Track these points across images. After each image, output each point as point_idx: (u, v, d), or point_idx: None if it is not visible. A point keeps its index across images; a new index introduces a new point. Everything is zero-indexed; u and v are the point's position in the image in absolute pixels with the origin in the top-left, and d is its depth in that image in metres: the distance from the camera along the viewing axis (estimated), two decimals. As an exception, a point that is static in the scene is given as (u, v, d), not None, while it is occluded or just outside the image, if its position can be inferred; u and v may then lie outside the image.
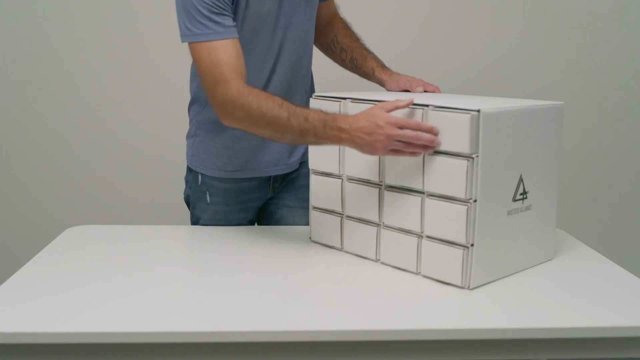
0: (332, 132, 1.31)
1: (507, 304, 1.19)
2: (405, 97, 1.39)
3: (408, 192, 1.32)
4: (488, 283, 1.28)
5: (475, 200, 1.22)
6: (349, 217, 1.45)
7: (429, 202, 1.28)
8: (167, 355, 1.09)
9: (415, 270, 1.33)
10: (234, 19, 1.47)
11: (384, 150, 1.27)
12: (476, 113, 1.20)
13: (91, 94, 2.44)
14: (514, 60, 2.46)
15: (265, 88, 1.56)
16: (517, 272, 1.35)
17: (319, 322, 1.10)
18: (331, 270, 1.35)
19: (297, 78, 1.62)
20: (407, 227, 1.33)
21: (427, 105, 1.28)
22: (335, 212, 1.47)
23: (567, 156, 2.50)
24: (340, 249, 1.47)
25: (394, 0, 2.43)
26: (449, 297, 1.21)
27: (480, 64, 2.46)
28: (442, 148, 1.25)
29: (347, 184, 1.43)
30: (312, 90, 1.72)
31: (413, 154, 1.27)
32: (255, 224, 1.77)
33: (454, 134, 1.22)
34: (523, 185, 1.31)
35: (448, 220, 1.25)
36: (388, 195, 1.35)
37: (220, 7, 1.42)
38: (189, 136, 1.70)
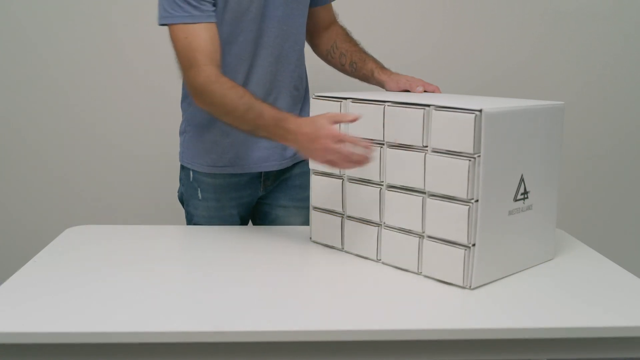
0: (280, 131, 1.35)
1: (508, 303, 1.19)
2: (402, 97, 1.39)
3: (409, 192, 1.32)
4: (489, 283, 1.28)
5: (476, 200, 1.22)
6: (349, 217, 1.45)
7: (430, 202, 1.28)
8: (167, 355, 1.09)
9: (416, 271, 1.33)
10: (215, 5, 1.48)
11: (321, 159, 1.30)
12: (478, 113, 1.20)
13: (91, 94, 2.44)
14: (514, 61, 2.46)
15: (247, 79, 1.57)
16: (518, 272, 1.35)
17: (319, 322, 1.10)
18: (332, 270, 1.35)
19: (282, 74, 1.62)
20: (408, 227, 1.33)
21: (429, 105, 1.28)
22: (336, 212, 1.47)
23: (567, 156, 2.50)
24: (341, 249, 1.47)
25: (394, 0, 2.43)
26: (450, 297, 1.21)
27: (480, 64, 2.46)
28: (444, 147, 1.25)
29: (347, 184, 1.43)
30: (306, 91, 1.72)
31: (346, 167, 1.30)
32: (250, 223, 1.77)
33: (456, 134, 1.22)
34: (524, 185, 1.31)
35: (449, 220, 1.25)
36: (389, 195, 1.35)
37: None
38: (180, 133, 1.71)
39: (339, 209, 1.46)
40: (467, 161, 1.21)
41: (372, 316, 1.13)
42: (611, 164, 2.56)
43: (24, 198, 2.50)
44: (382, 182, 1.37)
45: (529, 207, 1.33)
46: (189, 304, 1.17)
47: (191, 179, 1.68)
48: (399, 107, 1.32)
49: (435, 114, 1.26)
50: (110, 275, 1.30)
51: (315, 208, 1.51)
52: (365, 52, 1.71)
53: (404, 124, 1.31)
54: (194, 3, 1.44)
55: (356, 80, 1.74)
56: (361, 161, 1.29)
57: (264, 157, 1.66)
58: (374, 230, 1.39)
